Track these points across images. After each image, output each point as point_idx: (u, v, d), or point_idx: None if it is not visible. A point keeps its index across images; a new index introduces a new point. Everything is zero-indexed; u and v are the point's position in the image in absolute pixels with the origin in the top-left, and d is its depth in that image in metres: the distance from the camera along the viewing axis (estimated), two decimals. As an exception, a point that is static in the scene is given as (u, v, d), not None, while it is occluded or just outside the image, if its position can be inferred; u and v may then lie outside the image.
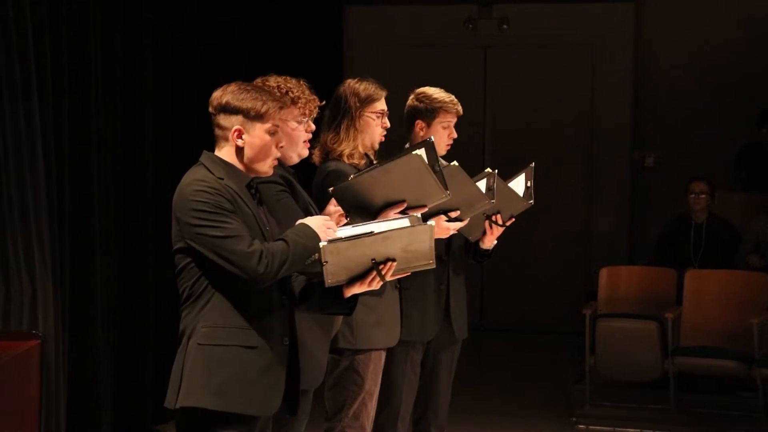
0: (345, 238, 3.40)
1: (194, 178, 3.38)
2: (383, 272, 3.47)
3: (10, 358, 4.75)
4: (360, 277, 3.48)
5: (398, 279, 4.40)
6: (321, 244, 3.36)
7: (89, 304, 6.03)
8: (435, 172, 3.88)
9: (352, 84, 4.43)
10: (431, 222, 3.49)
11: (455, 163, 4.29)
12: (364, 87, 4.40)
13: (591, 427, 7.14)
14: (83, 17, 5.94)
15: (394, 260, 3.46)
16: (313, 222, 3.44)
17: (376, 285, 3.50)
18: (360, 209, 3.88)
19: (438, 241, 4.61)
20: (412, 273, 3.96)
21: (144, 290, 6.62)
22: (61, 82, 5.69)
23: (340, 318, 4.20)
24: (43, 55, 5.47)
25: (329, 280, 3.43)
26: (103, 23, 6.15)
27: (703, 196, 8.10)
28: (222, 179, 3.38)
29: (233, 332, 3.35)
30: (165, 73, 6.90)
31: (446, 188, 3.92)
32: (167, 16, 6.94)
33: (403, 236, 3.45)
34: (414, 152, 3.83)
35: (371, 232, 3.46)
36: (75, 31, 5.87)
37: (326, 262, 3.37)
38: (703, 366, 7.20)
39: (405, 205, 3.92)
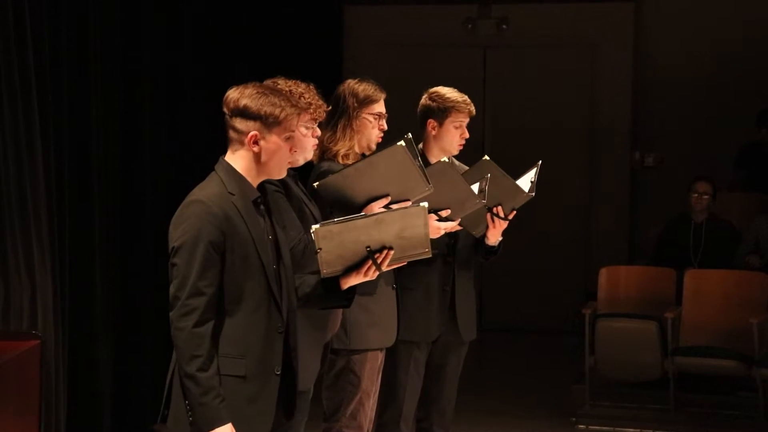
0: (337, 221, 3.33)
1: (199, 198, 3.30)
2: (379, 261, 3.42)
3: (10, 359, 4.75)
4: (355, 267, 3.43)
5: (395, 280, 4.43)
6: (313, 227, 3.30)
7: (89, 304, 6.03)
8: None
9: (351, 84, 4.43)
10: (424, 204, 3.45)
11: (445, 159, 4.28)
12: (363, 88, 4.40)
13: (591, 427, 7.14)
14: (83, 16, 5.94)
15: (390, 248, 3.41)
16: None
17: (372, 275, 3.45)
18: (344, 205, 3.88)
19: (443, 242, 4.62)
20: (417, 275, 3.96)
21: (144, 290, 6.61)
22: (60, 82, 5.68)
23: (338, 321, 4.20)
24: (42, 54, 5.46)
25: (324, 270, 3.38)
26: (103, 22, 6.14)
27: (706, 197, 8.08)
28: (233, 195, 3.31)
29: (222, 361, 3.26)
30: (165, 72, 6.90)
31: (428, 182, 3.92)
32: (167, 16, 6.94)
33: (396, 219, 3.40)
34: (397, 143, 3.84)
35: (364, 215, 3.43)
36: (74, 30, 5.86)
37: (320, 249, 3.31)
38: (703, 366, 7.20)
39: (389, 199, 3.92)
